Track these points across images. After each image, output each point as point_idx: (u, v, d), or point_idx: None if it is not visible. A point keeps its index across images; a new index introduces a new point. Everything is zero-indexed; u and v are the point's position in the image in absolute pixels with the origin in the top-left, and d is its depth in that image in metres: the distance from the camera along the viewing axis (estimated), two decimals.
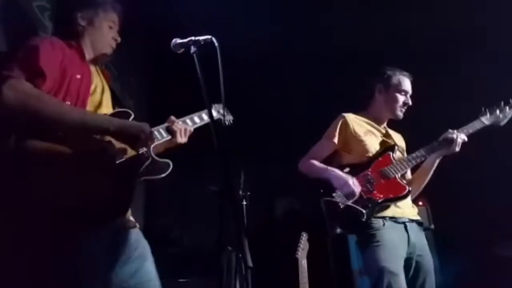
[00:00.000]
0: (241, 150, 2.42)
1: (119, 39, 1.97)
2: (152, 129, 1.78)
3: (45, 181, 1.47)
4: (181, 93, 2.90)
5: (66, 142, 1.56)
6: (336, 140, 2.59)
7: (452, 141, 2.48)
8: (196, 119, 2.01)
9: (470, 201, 3.53)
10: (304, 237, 2.96)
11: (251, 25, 3.45)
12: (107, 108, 1.83)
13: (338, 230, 2.81)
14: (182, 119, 1.97)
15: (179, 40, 1.77)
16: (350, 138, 2.58)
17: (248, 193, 3.11)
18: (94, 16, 1.89)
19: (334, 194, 2.40)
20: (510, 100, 2.65)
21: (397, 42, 3.66)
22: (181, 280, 2.87)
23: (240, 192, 3.05)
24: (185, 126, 1.94)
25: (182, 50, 1.78)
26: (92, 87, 1.78)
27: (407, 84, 2.65)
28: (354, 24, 3.75)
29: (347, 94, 3.14)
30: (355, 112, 2.73)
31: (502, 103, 2.68)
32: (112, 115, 1.77)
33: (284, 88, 4.09)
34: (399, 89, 2.63)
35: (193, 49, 1.71)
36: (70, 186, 1.49)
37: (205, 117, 2.03)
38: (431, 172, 2.61)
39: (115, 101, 1.94)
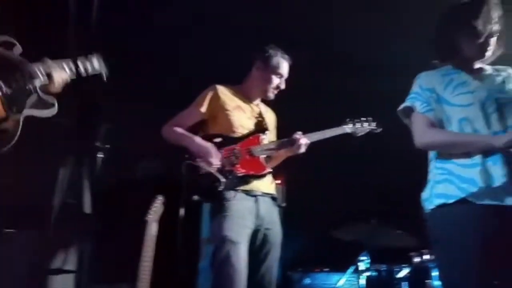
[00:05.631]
0: (111, 104, 2.21)
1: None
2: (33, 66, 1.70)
3: None
4: None
5: None
6: (204, 109, 2.56)
7: (294, 143, 2.56)
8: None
9: (324, 186, 3.78)
10: (160, 200, 2.83)
11: None
12: None
13: (196, 197, 2.77)
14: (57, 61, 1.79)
15: None
16: (218, 110, 2.56)
17: (107, 146, 2.88)
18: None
19: (198, 159, 2.42)
20: (368, 118, 2.84)
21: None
22: (7, 230, 2.58)
23: (98, 143, 2.81)
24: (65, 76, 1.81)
25: None
26: None
27: (284, 67, 2.67)
28: None
29: (228, 62, 3.06)
30: (230, 84, 2.70)
31: (363, 119, 2.83)
32: None
33: (158, 39, 3.72)
34: (276, 71, 2.64)
35: None
36: None
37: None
38: (276, 164, 2.72)
39: None
